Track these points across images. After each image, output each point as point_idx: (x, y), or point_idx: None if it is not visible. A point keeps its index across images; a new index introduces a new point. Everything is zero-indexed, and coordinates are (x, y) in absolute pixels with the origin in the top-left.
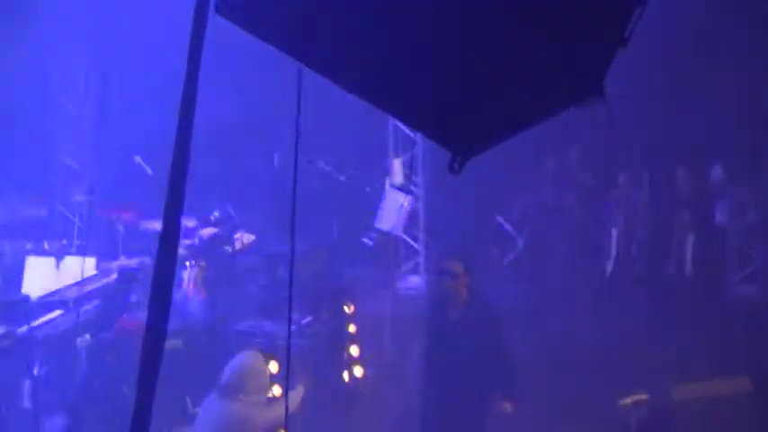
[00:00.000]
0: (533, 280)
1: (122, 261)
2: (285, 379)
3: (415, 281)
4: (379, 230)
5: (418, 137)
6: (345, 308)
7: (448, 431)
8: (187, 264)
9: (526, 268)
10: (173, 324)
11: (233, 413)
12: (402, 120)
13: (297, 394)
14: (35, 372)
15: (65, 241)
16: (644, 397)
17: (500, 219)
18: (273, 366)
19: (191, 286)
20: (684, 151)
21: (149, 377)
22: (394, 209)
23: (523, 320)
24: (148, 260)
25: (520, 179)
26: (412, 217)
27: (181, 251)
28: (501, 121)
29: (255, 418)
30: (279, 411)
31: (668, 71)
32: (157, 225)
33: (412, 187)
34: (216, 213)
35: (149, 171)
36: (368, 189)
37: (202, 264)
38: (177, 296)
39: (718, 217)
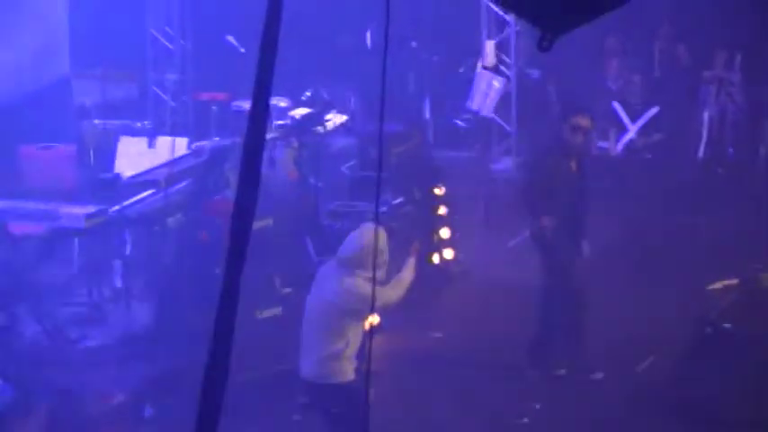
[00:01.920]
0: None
1: (215, 141)
2: (372, 258)
3: (507, 163)
4: (471, 112)
5: (510, 18)
6: (437, 190)
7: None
8: (280, 144)
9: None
10: (263, 204)
11: (349, 287)
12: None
13: (410, 267)
14: (126, 251)
15: (156, 120)
16: (734, 282)
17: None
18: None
19: (282, 166)
20: None
21: (237, 257)
22: (486, 90)
23: (614, 206)
24: (240, 140)
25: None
26: (504, 98)
27: (274, 132)
28: None
29: (368, 295)
30: (390, 293)
31: None
32: (249, 105)
33: (503, 69)
34: (308, 93)
35: (242, 50)
36: (461, 70)
37: (294, 144)
38: (268, 176)
39: None
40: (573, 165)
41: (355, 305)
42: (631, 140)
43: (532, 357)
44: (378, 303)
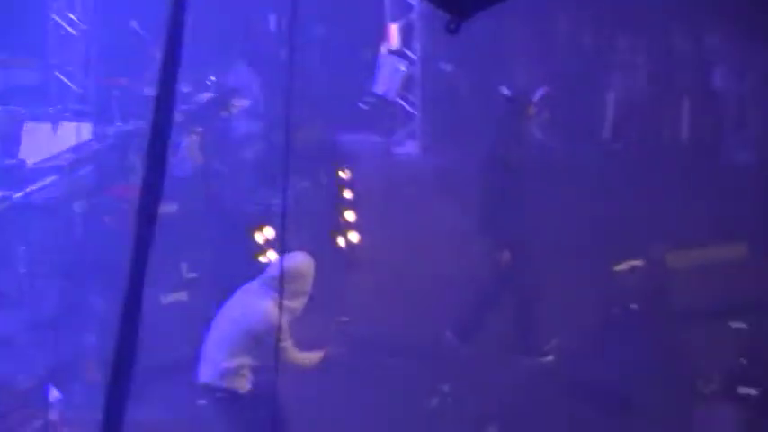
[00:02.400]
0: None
1: (118, 126)
2: (281, 243)
3: (411, 146)
4: (375, 95)
5: (415, 1)
6: (342, 173)
7: None
8: (184, 130)
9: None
10: (167, 189)
11: (261, 309)
12: None
13: (315, 357)
14: (31, 237)
15: (59, 106)
16: (639, 263)
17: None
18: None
19: (186, 152)
20: (683, 16)
21: (144, 241)
22: (390, 73)
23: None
24: (144, 125)
25: (520, 44)
26: (408, 82)
27: (178, 117)
28: None
29: (275, 323)
30: (297, 356)
31: None
32: (152, 90)
33: (408, 52)
34: (212, 78)
35: (146, 36)
36: (366, 54)
37: (198, 129)
38: (172, 162)
39: (715, 82)
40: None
41: (262, 330)
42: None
43: (465, 335)
44: (283, 356)
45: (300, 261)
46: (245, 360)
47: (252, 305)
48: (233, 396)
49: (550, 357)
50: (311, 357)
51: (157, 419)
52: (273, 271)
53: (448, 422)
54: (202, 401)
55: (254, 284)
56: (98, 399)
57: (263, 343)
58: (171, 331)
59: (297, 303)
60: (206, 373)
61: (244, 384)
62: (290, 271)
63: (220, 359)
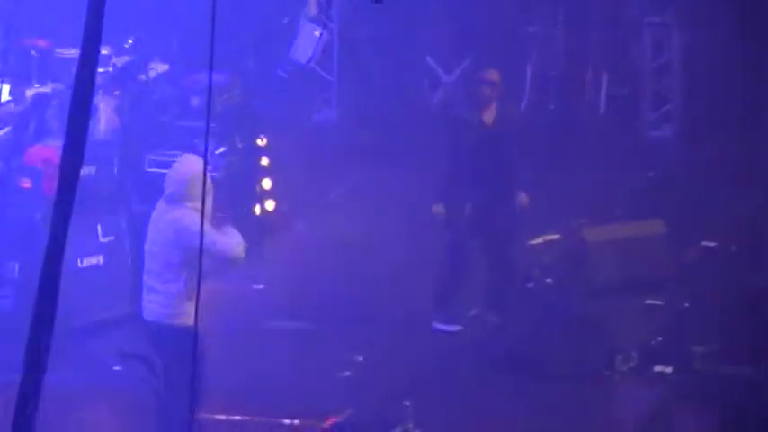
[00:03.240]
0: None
1: (36, 88)
2: (201, 212)
3: (328, 114)
4: (293, 62)
5: None
6: (259, 140)
7: None
8: (100, 92)
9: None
10: (87, 152)
11: (179, 220)
12: None
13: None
14: None
15: None
16: (555, 237)
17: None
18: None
19: (104, 115)
20: None
21: (64, 202)
22: (309, 41)
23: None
24: (62, 87)
25: (439, 14)
26: (326, 49)
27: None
28: None
29: (197, 227)
30: (225, 241)
31: None
32: (72, 53)
33: (326, 20)
34: (130, 41)
35: None
36: (285, 20)
37: (116, 92)
38: (91, 124)
39: (634, 57)
40: (486, 118)
41: (188, 239)
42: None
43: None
44: (213, 248)
45: (192, 162)
46: (186, 278)
47: (171, 220)
48: (177, 331)
49: (458, 327)
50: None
51: (75, 384)
52: (172, 182)
53: (362, 394)
54: (117, 367)
55: (160, 207)
56: (16, 363)
57: (194, 251)
58: (88, 295)
59: (206, 204)
60: (151, 309)
61: (191, 314)
62: (189, 173)
63: (164, 288)
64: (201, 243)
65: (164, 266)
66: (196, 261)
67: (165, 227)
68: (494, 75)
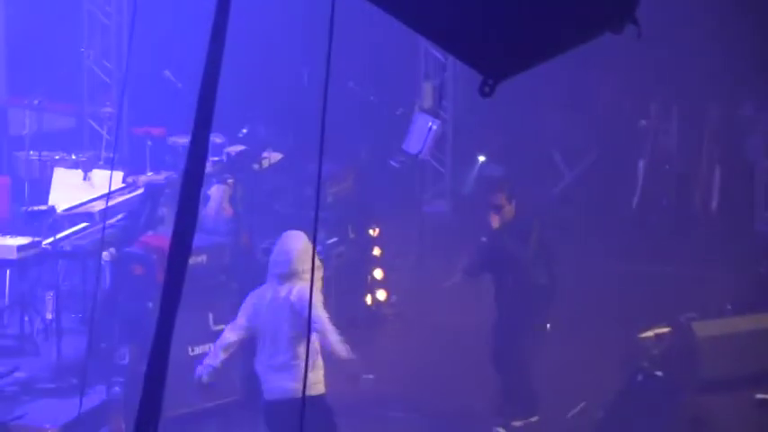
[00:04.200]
0: (562, 211)
1: (149, 176)
2: (309, 298)
3: (440, 205)
4: (406, 154)
5: (449, 61)
6: (371, 231)
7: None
8: (214, 181)
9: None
10: (198, 240)
11: (302, 295)
12: (434, 41)
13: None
14: (59, 283)
15: (91, 153)
16: (665, 330)
17: (555, 154)
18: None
19: (217, 204)
20: (715, 86)
21: (173, 291)
22: (422, 132)
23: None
24: (175, 175)
25: (553, 106)
26: (439, 141)
27: (208, 168)
28: (534, 43)
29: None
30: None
31: (701, 9)
32: (185, 140)
33: (440, 112)
34: (244, 130)
35: (179, 85)
36: (398, 112)
37: (230, 181)
38: (203, 213)
39: (747, 153)
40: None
41: (312, 312)
42: (567, 185)
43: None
44: (326, 334)
45: (295, 237)
46: (317, 348)
47: (292, 297)
48: (315, 401)
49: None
50: (344, 348)
51: None
52: (283, 262)
53: None
54: None
55: (270, 288)
56: None
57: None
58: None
59: (305, 279)
60: (284, 387)
61: (323, 383)
62: (297, 249)
63: (297, 363)
64: (310, 314)
65: (290, 343)
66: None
67: (284, 304)
68: (500, 198)
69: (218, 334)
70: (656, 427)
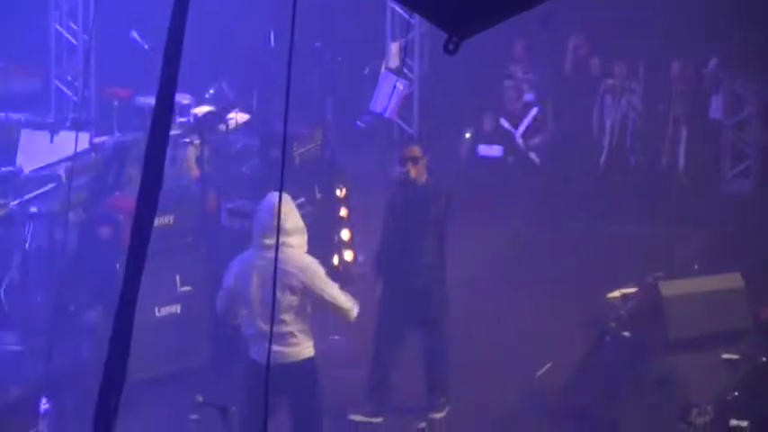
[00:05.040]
0: (526, 170)
1: (116, 137)
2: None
3: None
4: (373, 113)
5: (415, 20)
6: (338, 191)
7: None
8: (181, 142)
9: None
10: (164, 201)
11: (292, 260)
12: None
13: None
14: (26, 245)
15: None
16: (632, 290)
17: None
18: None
19: (183, 164)
20: (681, 45)
21: (139, 252)
22: (388, 92)
23: (515, 209)
24: (142, 136)
25: (515, 65)
26: (406, 101)
27: (174, 129)
28: (498, 0)
29: (311, 263)
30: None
31: None
32: (152, 101)
33: (406, 71)
34: (211, 91)
35: (146, 46)
36: (365, 71)
37: (196, 142)
38: (169, 174)
39: (713, 111)
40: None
41: (306, 280)
42: (516, 143)
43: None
44: (336, 302)
45: (267, 200)
46: (307, 314)
47: (285, 265)
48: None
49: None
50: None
51: None
52: (261, 224)
53: None
54: (194, 416)
55: (257, 252)
56: (90, 411)
57: (310, 289)
58: (164, 344)
59: (296, 240)
60: (273, 350)
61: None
62: (265, 211)
63: (288, 328)
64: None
65: (287, 311)
66: (318, 298)
67: (280, 273)
68: (415, 150)
69: (184, 295)
70: (623, 388)
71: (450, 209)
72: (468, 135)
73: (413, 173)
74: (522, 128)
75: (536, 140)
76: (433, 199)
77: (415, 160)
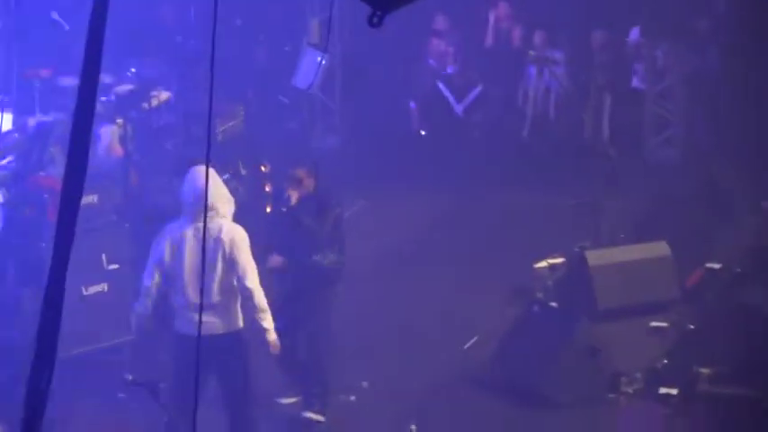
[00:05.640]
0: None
1: (39, 117)
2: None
3: (330, 140)
4: (295, 89)
5: None
6: (262, 167)
7: None
8: (103, 121)
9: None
10: (88, 180)
11: (226, 233)
12: None
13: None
14: None
15: None
16: (559, 261)
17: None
18: None
19: (107, 144)
20: (603, 14)
21: (66, 231)
22: (311, 67)
23: (438, 183)
24: (65, 116)
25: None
26: (328, 76)
27: (97, 108)
28: None
29: (239, 232)
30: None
31: None
32: (73, 81)
33: (328, 46)
34: (132, 70)
35: (66, 27)
36: (286, 48)
37: (119, 121)
38: (92, 153)
39: (636, 80)
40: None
41: (238, 255)
42: (457, 119)
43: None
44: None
45: (193, 175)
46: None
47: (216, 237)
48: (235, 337)
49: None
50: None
51: (79, 413)
52: (188, 199)
53: (368, 418)
54: (122, 395)
55: (186, 223)
56: (18, 390)
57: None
58: (92, 323)
59: (225, 208)
60: (211, 324)
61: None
62: (198, 186)
63: (220, 299)
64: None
65: (218, 281)
66: (244, 271)
67: (215, 246)
68: (300, 173)
69: (111, 274)
70: (552, 358)
71: (340, 219)
72: None
73: (294, 198)
74: (465, 103)
75: (479, 117)
76: (319, 217)
77: (297, 183)
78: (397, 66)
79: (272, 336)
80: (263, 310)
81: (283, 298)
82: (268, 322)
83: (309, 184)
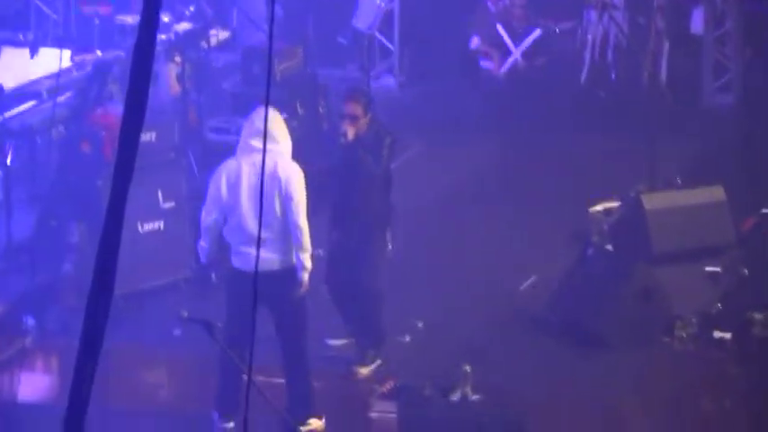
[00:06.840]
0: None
1: (98, 54)
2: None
3: (389, 81)
4: (354, 29)
5: None
6: (319, 107)
7: None
8: (162, 59)
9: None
10: (147, 118)
11: (282, 169)
12: None
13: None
14: (8, 162)
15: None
16: (615, 205)
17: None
18: None
19: (165, 81)
20: None
21: (125, 168)
22: (371, 8)
23: (494, 128)
24: (123, 54)
25: None
26: (387, 18)
27: (157, 46)
28: None
29: (297, 173)
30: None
31: None
32: (132, 19)
33: None
34: (191, 8)
35: None
36: None
37: (177, 59)
38: (151, 91)
39: (694, 25)
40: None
41: (293, 192)
42: (516, 63)
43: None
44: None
45: (256, 113)
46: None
47: (273, 172)
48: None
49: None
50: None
51: (134, 349)
52: (249, 131)
53: (422, 358)
54: (177, 332)
55: (243, 159)
56: (74, 325)
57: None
58: (148, 260)
59: (284, 147)
60: (262, 258)
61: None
62: (254, 119)
63: (278, 236)
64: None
65: (274, 217)
66: (297, 207)
67: (271, 182)
68: (351, 107)
69: (167, 211)
70: (606, 300)
71: (394, 153)
72: None
73: (350, 134)
74: (523, 47)
75: (539, 61)
76: (375, 154)
77: (353, 119)
78: (456, 9)
79: (306, 276)
80: (306, 249)
81: (336, 240)
82: (308, 261)
83: (364, 122)
